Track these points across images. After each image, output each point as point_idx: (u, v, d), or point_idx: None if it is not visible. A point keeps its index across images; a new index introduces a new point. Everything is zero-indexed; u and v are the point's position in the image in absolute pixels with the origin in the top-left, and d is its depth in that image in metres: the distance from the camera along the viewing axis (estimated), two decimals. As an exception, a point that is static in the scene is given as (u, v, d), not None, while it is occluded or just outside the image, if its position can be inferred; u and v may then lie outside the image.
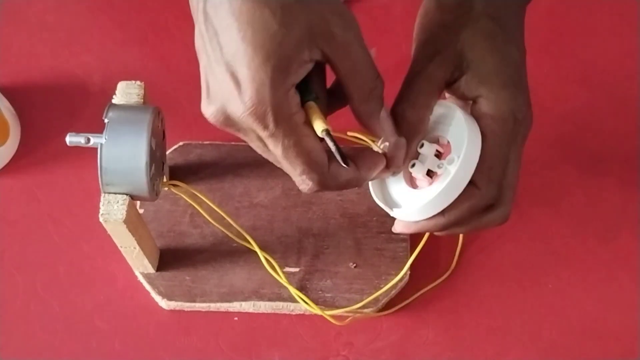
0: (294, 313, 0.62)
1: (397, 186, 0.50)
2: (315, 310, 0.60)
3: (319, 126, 0.42)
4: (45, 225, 0.66)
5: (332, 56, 0.41)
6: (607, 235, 0.65)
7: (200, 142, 0.68)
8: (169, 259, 0.63)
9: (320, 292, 0.61)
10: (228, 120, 0.41)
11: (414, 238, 0.63)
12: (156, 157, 0.53)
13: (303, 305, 0.60)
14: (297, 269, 0.62)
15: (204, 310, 0.62)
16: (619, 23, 0.75)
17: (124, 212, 0.51)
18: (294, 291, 0.60)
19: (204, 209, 0.59)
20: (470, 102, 0.48)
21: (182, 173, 0.66)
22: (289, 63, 0.39)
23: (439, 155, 0.48)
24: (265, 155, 0.44)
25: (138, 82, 0.54)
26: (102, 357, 0.61)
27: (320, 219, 0.64)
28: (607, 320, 0.62)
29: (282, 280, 0.60)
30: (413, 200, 0.48)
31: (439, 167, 0.47)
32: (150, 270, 0.61)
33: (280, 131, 0.41)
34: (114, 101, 0.54)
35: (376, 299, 0.61)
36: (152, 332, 0.62)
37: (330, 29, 0.40)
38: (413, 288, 0.63)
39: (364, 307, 0.60)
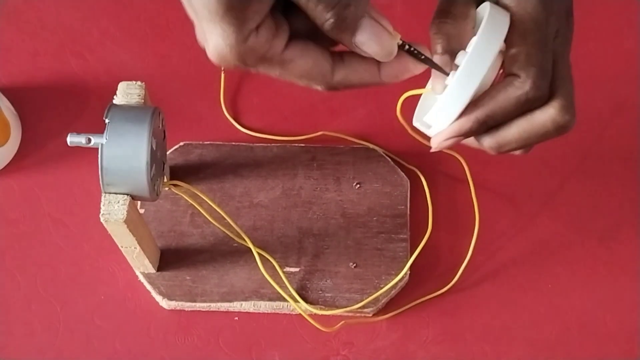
0: (294, 313, 0.62)
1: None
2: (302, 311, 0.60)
3: None
4: (46, 225, 0.66)
5: None
6: (607, 235, 0.65)
7: (200, 142, 0.68)
8: (169, 259, 0.63)
9: (320, 292, 0.61)
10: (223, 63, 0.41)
11: (414, 238, 0.64)
12: (157, 157, 0.53)
13: (303, 305, 0.60)
14: (297, 269, 0.62)
15: (204, 310, 0.62)
16: (619, 23, 0.75)
17: (125, 212, 0.51)
18: (288, 292, 0.60)
19: (204, 208, 0.59)
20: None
21: (183, 173, 0.66)
22: (243, 9, 0.38)
23: None
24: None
25: (139, 83, 0.55)
26: (102, 357, 0.61)
27: (320, 219, 0.65)
28: (607, 320, 0.62)
29: (270, 280, 0.60)
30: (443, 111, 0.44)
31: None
32: (151, 270, 0.61)
33: (265, 67, 0.41)
34: (114, 101, 0.54)
35: (376, 299, 0.61)
36: (152, 331, 0.62)
37: None
38: (413, 288, 0.63)
39: (364, 307, 0.61)
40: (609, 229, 0.66)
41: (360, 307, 0.60)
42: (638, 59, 0.73)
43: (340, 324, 0.60)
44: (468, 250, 0.64)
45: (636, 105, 0.71)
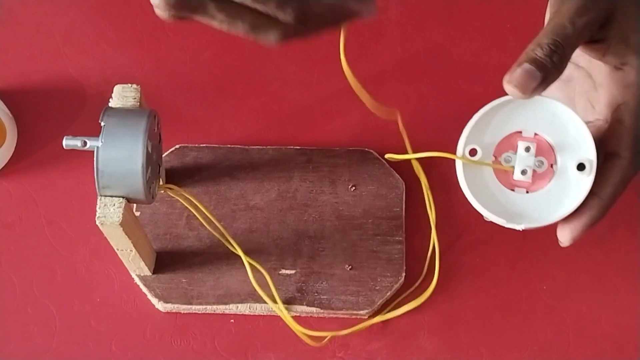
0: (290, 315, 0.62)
1: (501, 194, 0.50)
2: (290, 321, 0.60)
3: None
4: (42, 228, 0.66)
5: None
6: (603, 235, 0.66)
7: (196, 145, 0.68)
8: (165, 262, 0.63)
9: (316, 294, 0.62)
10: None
11: (409, 240, 0.64)
12: (152, 160, 0.53)
13: (300, 307, 0.60)
14: (293, 271, 0.63)
15: (200, 312, 0.62)
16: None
17: (121, 215, 0.51)
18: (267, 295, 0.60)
19: (200, 211, 0.59)
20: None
21: (179, 176, 0.66)
22: None
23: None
24: (232, 25, 0.42)
25: (134, 85, 0.55)
26: (98, 359, 0.61)
27: (316, 221, 0.65)
28: (603, 323, 0.62)
29: (255, 284, 0.60)
30: (537, 207, 0.49)
31: (538, 165, 0.47)
32: (147, 272, 0.61)
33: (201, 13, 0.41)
34: (110, 104, 0.54)
35: (371, 301, 0.61)
36: (148, 334, 0.62)
37: None
38: (408, 290, 0.63)
39: (359, 308, 0.61)
40: (605, 230, 0.66)
41: (355, 309, 0.61)
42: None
43: (327, 339, 0.60)
44: (463, 251, 0.64)
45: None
